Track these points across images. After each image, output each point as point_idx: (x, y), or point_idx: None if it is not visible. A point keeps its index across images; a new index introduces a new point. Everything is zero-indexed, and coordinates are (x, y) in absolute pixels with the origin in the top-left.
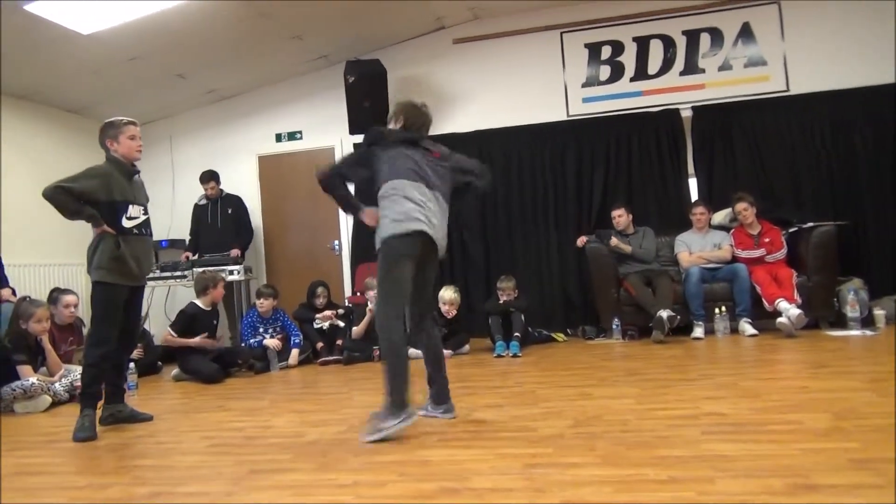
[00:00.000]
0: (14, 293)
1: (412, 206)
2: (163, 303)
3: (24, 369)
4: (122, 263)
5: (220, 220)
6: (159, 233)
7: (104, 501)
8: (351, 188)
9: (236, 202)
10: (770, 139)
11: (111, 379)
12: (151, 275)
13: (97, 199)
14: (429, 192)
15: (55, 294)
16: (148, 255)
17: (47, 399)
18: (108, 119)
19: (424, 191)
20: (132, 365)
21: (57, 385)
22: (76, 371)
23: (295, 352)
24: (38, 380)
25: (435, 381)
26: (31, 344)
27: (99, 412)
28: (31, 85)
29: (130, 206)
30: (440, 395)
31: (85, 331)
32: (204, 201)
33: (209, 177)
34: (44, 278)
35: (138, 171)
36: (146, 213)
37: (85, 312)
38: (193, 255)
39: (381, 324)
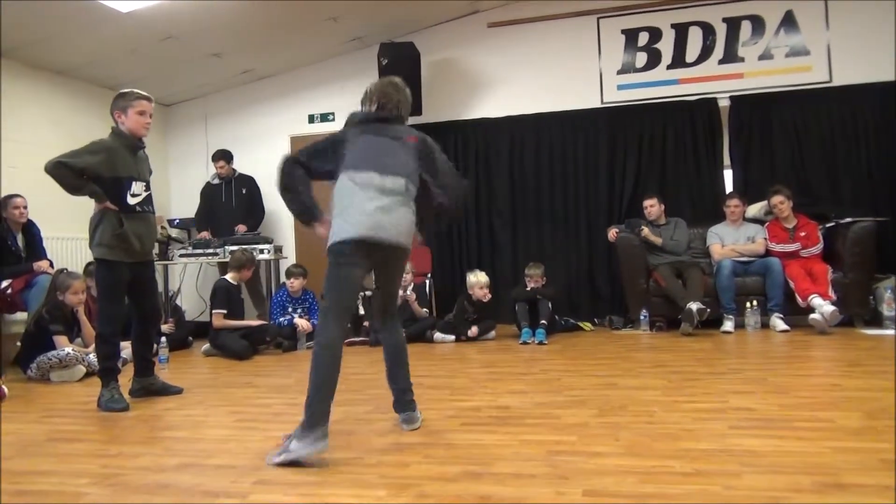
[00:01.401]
0: (51, 265)
1: (361, 209)
2: (195, 280)
3: (60, 339)
4: (124, 241)
5: (234, 200)
6: (193, 211)
7: (135, 470)
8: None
9: (250, 182)
10: (810, 131)
11: (140, 353)
12: (184, 252)
13: (100, 174)
14: (389, 183)
15: (92, 267)
16: (150, 233)
17: (82, 369)
18: (123, 90)
19: (382, 183)
20: (164, 339)
21: (91, 356)
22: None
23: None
24: (73, 350)
25: (396, 382)
26: (68, 315)
27: (129, 384)
28: (70, 61)
29: (134, 183)
30: (399, 402)
31: None
32: (217, 180)
33: (220, 156)
34: (81, 251)
35: (143, 146)
36: (148, 188)
37: None
38: (207, 234)
39: (319, 327)
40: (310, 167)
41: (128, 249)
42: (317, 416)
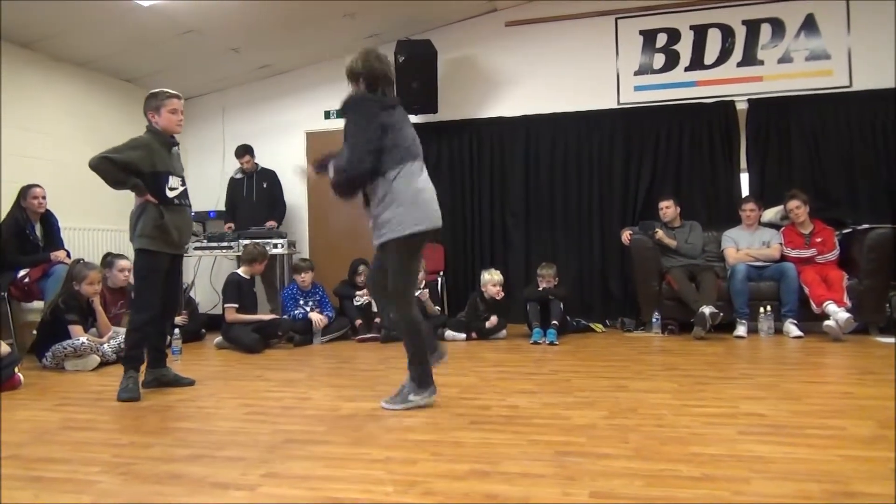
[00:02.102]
0: (69, 255)
1: (428, 198)
2: (208, 272)
3: (76, 329)
4: (164, 232)
5: (255, 194)
6: (208, 204)
7: (146, 459)
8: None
9: (271, 177)
10: (828, 136)
11: (154, 344)
12: (199, 244)
13: (140, 169)
14: (424, 167)
15: (109, 258)
16: (187, 225)
17: (96, 359)
18: (153, 90)
19: (424, 168)
20: (177, 331)
21: (105, 346)
22: (124, 333)
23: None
24: (87, 340)
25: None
26: (83, 305)
27: (142, 376)
28: (92, 53)
29: (171, 177)
30: (423, 379)
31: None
32: (240, 175)
33: (244, 151)
34: (98, 242)
35: (177, 144)
36: (184, 184)
37: None
38: (233, 226)
39: (403, 312)
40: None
41: (168, 240)
42: (426, 375)
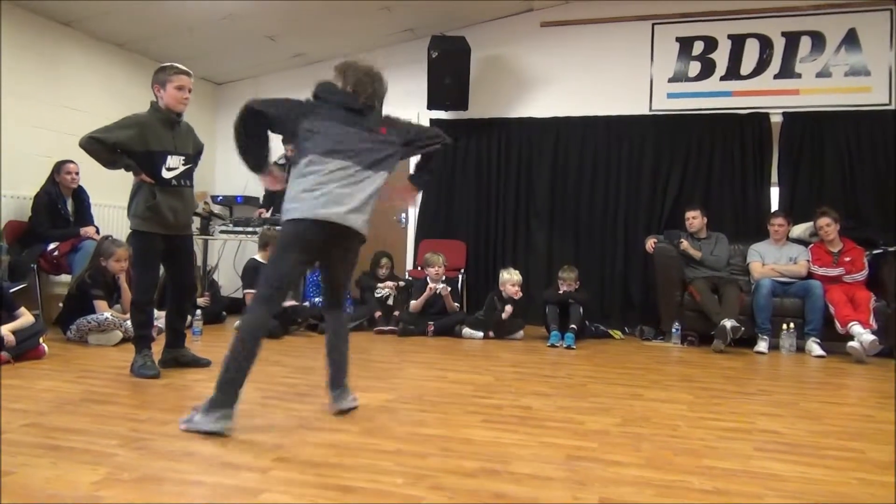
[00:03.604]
0: (98, 232)
1: (326, 190)
2: (233, 256)
3: (100, 304)
4: (157, 213)
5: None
6: (236, 189)
7: (162, 436)
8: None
9: None
10: (863, 154)
11: (173, 325)
12: (224, 228)
13: (132, 149)
14: (355, 171)
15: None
16: (186, 206)
17: (118, 334)
18: (164, 63)
19: (350, 170)
20: (199, 312)
21: (128, 322)
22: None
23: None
24: (111, 315)
25: (334, 366)
26: (109, 281)
27: (159, 355)
28: (131, 34)
29: (169, 157)
30: (335, 380)
31: None
32: (283, 161)
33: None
34: (126, 221)
35: (180, 121)
36: (188, 162)
37: None
38: (267, 213)
39: (250, 305)
40: (269, 125)
41: (161, 222)
42: (227, 396)
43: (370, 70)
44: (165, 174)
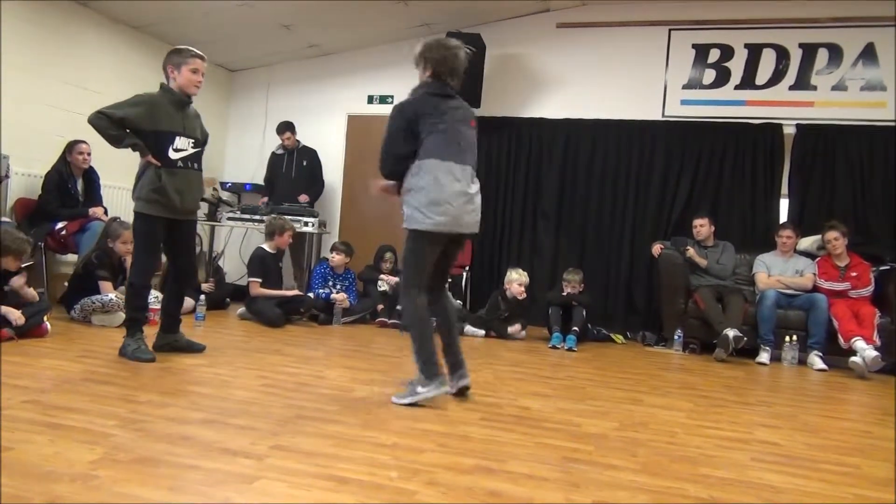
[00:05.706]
0: (106, 212)
1: (445, 196)
2: (239, 244)
3: (105, 285)
4: (162, 195)
5: (294, 171)
6: (245, 176)
7: (160, 419)
8: None
9: (311, 154)
10: (875, 169)
11: (169, 309)
12: (232, 215)
13: (140, 127)
14: (461, 170)
15: None
16: (193, 189)
17: (122, 316)
18: (179, 46)
19: (458, 172)
20: (202, 297)
21: None
22: (153, 295)
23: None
24: (116, 297)
25: (448, 352)
26: (115, 263)
27: (153, 340)
28: (147, 17)
29: (178, 138)
30: (454, 365)
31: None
32: (281, 151)
33: (285, 127)
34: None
35: (190, 103)
36: (196, 146)
37: None
38: (264, 199)
39: (406, 300)
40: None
41: (167, 205)
42: (433, 365)
43: (444, 42)
44: (172, 155)
